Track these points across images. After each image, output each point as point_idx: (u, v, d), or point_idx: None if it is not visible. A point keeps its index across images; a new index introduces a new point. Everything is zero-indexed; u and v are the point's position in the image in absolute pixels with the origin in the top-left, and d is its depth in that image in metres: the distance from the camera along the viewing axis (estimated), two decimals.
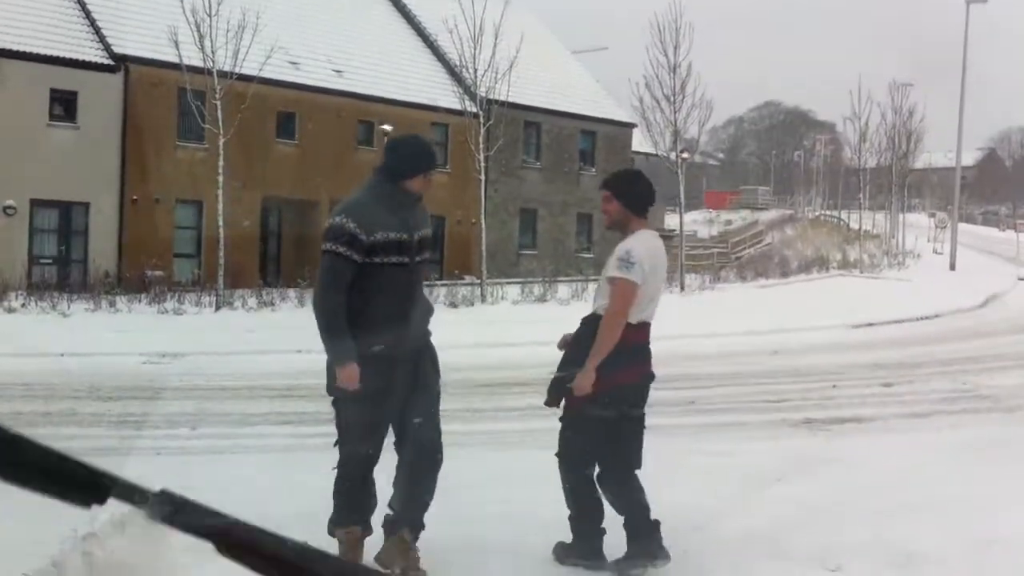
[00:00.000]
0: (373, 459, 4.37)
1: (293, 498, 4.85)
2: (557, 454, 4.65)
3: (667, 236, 25.57)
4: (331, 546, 4.38)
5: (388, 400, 4.29)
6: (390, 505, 4.50)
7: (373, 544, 4.51)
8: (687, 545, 4.91)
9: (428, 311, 4.55)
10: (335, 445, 4.43)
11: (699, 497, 4.97)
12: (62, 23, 23.86)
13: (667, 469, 5.52)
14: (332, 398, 4.39)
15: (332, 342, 4.22)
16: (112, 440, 8.06)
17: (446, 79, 29.93)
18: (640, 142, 36.76)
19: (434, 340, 4.62)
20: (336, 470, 4.43)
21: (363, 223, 4.18)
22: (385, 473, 4.47)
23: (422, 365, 4.44)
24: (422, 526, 4.42)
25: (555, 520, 4.84)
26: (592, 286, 23.58)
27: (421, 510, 4.40)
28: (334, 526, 4.44)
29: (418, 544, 4.41)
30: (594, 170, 35.27)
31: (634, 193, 4.67)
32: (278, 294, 20.72)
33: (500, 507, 5.29)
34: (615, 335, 4.39)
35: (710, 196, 70.95)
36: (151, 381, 11.55)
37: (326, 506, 4.49)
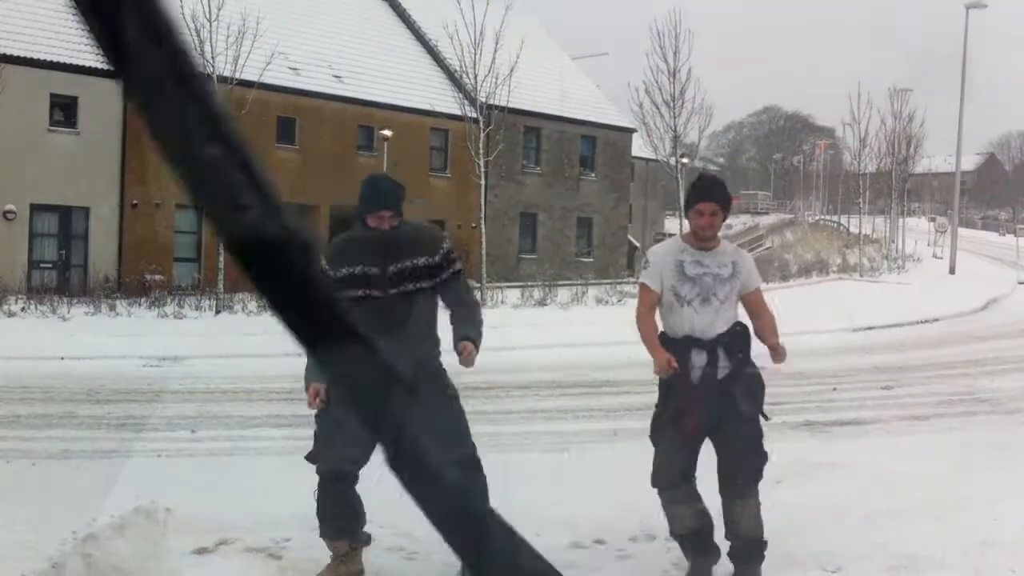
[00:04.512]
0: (342, 476, 4.34)
1: (291, 500, 4.85)
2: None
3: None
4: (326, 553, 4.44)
5: (345, 422, 4.20)
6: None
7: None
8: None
9: (419, 342, 4.52)
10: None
11: None
12: (62, 28, 23.86)
13: None
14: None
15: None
16: (112, 443, 8.07)
17: (446, 84, 29.96)
18: (640, 147, 36.81)
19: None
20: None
21: (330, 260, 4.34)
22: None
23: (420, 390, 4.33)
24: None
25: (554, 521, 4.83)
26: (592, 290, 23.64)
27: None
28: (321, 536, 4.48)
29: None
30: (594, 175, 35.30)
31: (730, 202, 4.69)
32: None
33: (499, 510, 5.28)
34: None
35: None
36: (151, 384, 11.55)
37: None
